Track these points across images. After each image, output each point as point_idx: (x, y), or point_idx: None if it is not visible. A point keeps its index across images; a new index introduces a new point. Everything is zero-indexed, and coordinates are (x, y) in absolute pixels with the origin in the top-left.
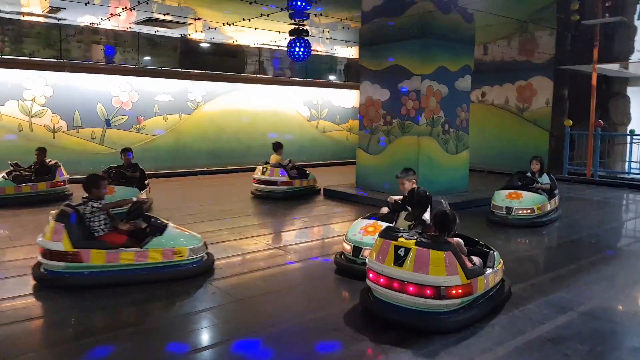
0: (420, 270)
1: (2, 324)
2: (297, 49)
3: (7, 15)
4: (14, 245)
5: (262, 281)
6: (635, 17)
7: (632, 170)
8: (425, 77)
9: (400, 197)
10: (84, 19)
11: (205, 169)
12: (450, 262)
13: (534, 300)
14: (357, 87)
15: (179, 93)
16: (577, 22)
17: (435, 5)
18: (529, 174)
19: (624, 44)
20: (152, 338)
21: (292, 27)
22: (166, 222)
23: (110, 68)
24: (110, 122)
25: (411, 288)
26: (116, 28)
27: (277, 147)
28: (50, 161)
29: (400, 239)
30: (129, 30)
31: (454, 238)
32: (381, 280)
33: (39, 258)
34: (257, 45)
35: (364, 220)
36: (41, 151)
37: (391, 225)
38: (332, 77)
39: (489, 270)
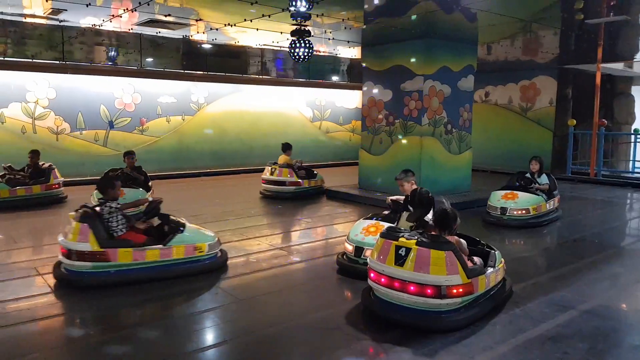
0: (421, 269)
1: (23, 322)
2: (298, 50)
3: (9, 17)
4: (19, 247)
5: (265, 281)
6: None
7: (636, 170)
8: (427, 77)
9: (402, 197)
10: (86, 21)
11: (208, 170)
12: (451, 262)
13: (535, 299)
14: (360, 88)
15: (182, 94)
16: (581, 22)
17: (438, 5)
18: (528, 175)
19: (629, 43)
20: (155, 338)
21: (294, 27)
22: (183, 220)
23: (112, 70)
24: (114, 123)
25: (412, 287)
26: (118, 30)
27: (286, 147)
28: (44, 164)
29: (401, 239)
30: (131, 31)
31: (457, 237)
32: (382, 279)
33: (61, 258)
34: (260, 46)
35: (366, 220)
36: (34, 154)
37: (393, 225)
38: (335, 78)
39: (489, 270)
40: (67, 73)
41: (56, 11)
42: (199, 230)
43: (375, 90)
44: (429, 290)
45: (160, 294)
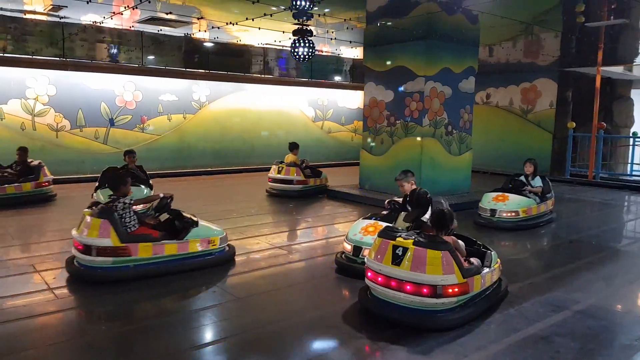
0: (418, 269)
1: (38, 315)
2: (300, 49)
3: (9, 14)
4: (14, 244)
5: (263, 280)
6: None
7: (634, 173)
8: (429, 78)
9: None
10: (87, 18)
11: (209, 169)
12: (447, 262)
13: (530, 299)
14: (362, 88)
15: (183, 92)
16: (582, 25)
17: (439, 7)
18: (522, 177)
19: (629, 47)
20: (151, 336)
21: (296, 27)
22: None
23: (113, 67)
24: (114, 121)
25: (408, 287)
26: (120, 27)
27: (294, 147)
28: (32, 161)
29: (398, 239)
30: (132, 29)
31: (454, 238)
32: (379, 279)
33: (77, 254)
34: (262, 45)
35: (365, 220)
36: (23, 151)
37: (390, 225)
38: (337, 78)
39: (485, 270)
40: (67, 70)
41: (57, 7)
42: (208, 225)
43: (376, 91)
44: (425, 290)
45: (159, 292)
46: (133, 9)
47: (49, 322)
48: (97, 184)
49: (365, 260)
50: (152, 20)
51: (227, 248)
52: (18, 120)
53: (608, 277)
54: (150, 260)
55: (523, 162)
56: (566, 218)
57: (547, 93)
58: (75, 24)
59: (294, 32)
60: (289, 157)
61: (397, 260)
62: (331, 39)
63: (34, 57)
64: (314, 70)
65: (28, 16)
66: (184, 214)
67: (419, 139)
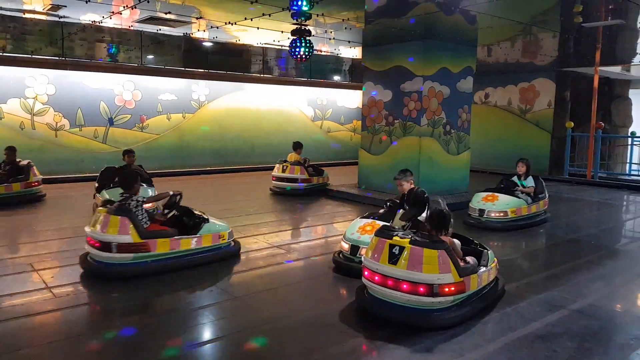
0: (414, 268)
1: (36, 314)
2: (299, 49)
3: (9, 13)
4: (12, 244)
5: (261, 279)
6: (638, 20)
7: (633, 172)
8: (427, 78)
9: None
10: (86, 17)
11: (208, 168)
12: (444, 261)
13: (527, 298)
14: (361, 88)
15: (183, 92)
16: (580, 25)
17: (438, 7)
18: (515, 177)
19: (627, 47)
20: (148, 334)
21: (295, 27)
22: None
23: (112, 66)
24: (113, 120)
25: (405, 286)
26: (119, 26)
27: (297, 146)
28: (20, 161)
29: (395, 238)
30: (132, 28)
31: (450, 238)
32: (376, 278)
33: (93, 251)
34: (261, 45)
35: (363, 219)
36: (11, 150)
37: (387, 224)
38: (336, 78)
39: (482, 269)
40: (66, 69)
41: (56, 7)
42: (216, 220)
43: (375, 91)
44: (421, 289)
45: (156, 291)
46: (132, 8)
47: (47, 321)
48: (96, 184)
49: (362, 259)
50: (151, 20)
51: (232, 243)
52: (17, 119)
53: (606, 277)
54: (167, 256)
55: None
56: (565, 217)
57: (545, 93)
58: (74, 23)
59: (293, 32)
60: (292, 156)
61: (393, 259)
62: (330, 38)
63: (33, 56)
64: (313, 70)
65: (27, 15)
66: (195, 211)
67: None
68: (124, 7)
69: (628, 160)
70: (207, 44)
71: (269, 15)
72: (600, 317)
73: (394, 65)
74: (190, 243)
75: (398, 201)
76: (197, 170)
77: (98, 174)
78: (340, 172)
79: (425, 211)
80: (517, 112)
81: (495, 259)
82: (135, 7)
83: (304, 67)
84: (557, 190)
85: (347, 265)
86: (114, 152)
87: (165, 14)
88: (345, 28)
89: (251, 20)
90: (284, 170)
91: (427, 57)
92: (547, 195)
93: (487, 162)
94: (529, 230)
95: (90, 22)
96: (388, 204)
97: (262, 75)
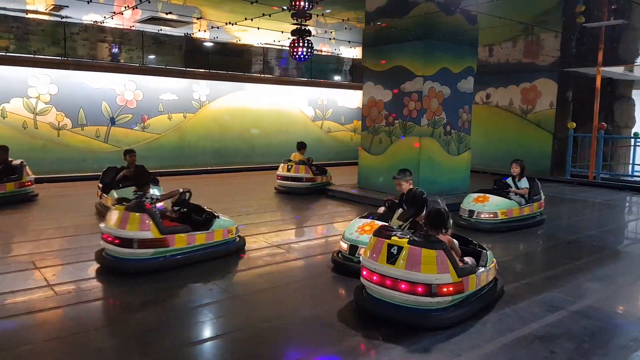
0: (412, 268)
1: (37, 311)
2: (299, 49)
3: (12, 13)
4: (12, 242)
5: (260, 278)
6: None
7: (635, 173)
8: (427, 78)
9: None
10: (88, 17)
11: (209, 168)
12: (442, 261)
13: (526, 299)
14: (361, 88)
15: (184, 92)
16: (582, 25)
17: (438, 7)
18: (509, 179)
19: (630, 47)
20: (146, 333)
21: (295, 27)
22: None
23: (114, 66)
24: (115, 120)
25: (403, 285)
26: (121, 26)
27: (301, 146)
28: (12, 160)
29: (393, 238)
30: (133, 28)
31: (449, 237)
32: (374, 277)
33: (111, 248)
34: (262, 45)
35: (362, 219)
36: (3, 150)
37: (386, 224)
38: (337, 78)
39: (481, 269)
40: (69, 69)
41: (58, 7)
42: (223, 216)
43: (375, 91)
44: (419, 289)
45: (156, 289)
46: (134, 9)
47: (48, 318)
48: (100, 184)
49: (361, 259)
50: (153, 20)
51: (238, 238)
52: (20, 118)
53: (606, 278)
54: (183, 250)
55: (524, 161)
56: (566, 218)
57: (547, 93)
58: (76, 23)
59: (293, 32)
60: (296, 156)
61: (392, 259)
62: (330, 39)
63: (36, 56)
64: (314, 70)
65: (30, 16)
66: (205, 207)
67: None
68: (125, 7)
69: (630, 161)
70: (208, 44)
71: (269, 15)
72: (599, 319)
73: (394, 65)
74: (204, 238)
75: (397, 201)
76: (198, 170)
77: (100, 174)
78: (340, 172)
79: (424, 211)
80: (519, 112)
81: (494, 259)
82: (137, 8)
83: (305, 67)
84: (558, 191)
85: (345, 265)
86: (115, 152)
87: (167, 14)
88: (346, 28)
89: (251, 20)
90: (288, 170)
91: (428, 57)
92: (542, 197)
93: (488, 162)
94: (529, 231)
95: (92, 23)
96: (387, 204)
97: (262, 75)
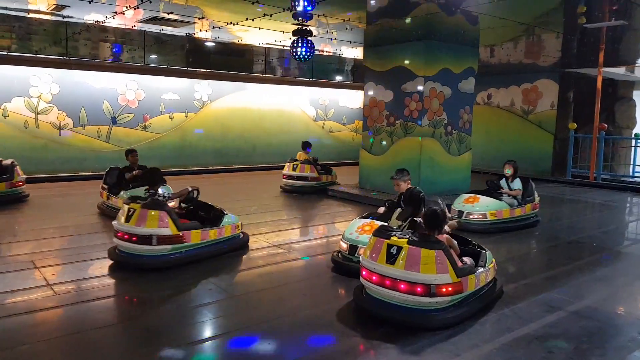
0: (412, 268)
1: (36, 310)
2: (300, 49)
3: (14, 13)
4: (11, 241)
5: (260, 278)
6: None
7: (636, 174)
8: (428, 78)
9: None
10: (90, 17)
11: (210, 167)
12: (441, 261)
13: (525, 299)
14: (363, 88)
15: (185, 91)
16: (583, 26)
17: (439, 8)
18: (502, 180)
19: (631, 48)
20: (145, 332)
21: (296, 27)
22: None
23: (116, 66)
24: (116, 119)
25: (402, 286)
26: (123, 26)
27: (306, 145)
28: (2, 161)
29: (393, 238)
30: (134, 28)
31: (448, 236)
32: (374, 277)
33: (128, 245)
34: (263, 45)
35: (362, 219)
36: None
37: (385, 224)
38: (338, 78)
39: (480, 269)
40: (70, 68)
41: (60, 7)
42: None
43: (376, 91)
44: (419, 289)
45: (155, 287)
46: (135, 8)
47: (48, 318)
48: (103, 184)
49: (361, 259)
50: (154, 20)
51: (241, 235)
52: (21, 118)
53: (606, 279)
54: (197, 246)
55: (524, 162)
56: (567, 219)
57: (548, 94)
58: (78, 23)
59: (294, 33)
60: (301, 155)
61: (391, 259)
62: (332, 39)
63: (37, 55)
64: (315, 70)
65: (32, 15)
66: (214, 205)
67: (419, 138)
68: (127, 7)
69: (631, 162)
70: (210, 44)
71: (270, 15)
72: (598, 319)
73: (395, 66)
74: (216, 234)
75: (396, 201)
76: (199, 170)
77: (104, 173)
78: (342, 172)
79: (422, 210)
80: (520, 113)
81: (493, 259)
82: (138, 7)
83: (306, 67)
84: (559, 191)
85: (345, 265)
86: (117, 151)
87: (168, 14)
88: (347, 28)
89: (252, 20)
90: (294, 169)
91: (429, 57)
92: (536, 198)
93: (489, 162)
94: (529, 232)
95: (94, 22)
96: (387, 204)
97: (264, 75)
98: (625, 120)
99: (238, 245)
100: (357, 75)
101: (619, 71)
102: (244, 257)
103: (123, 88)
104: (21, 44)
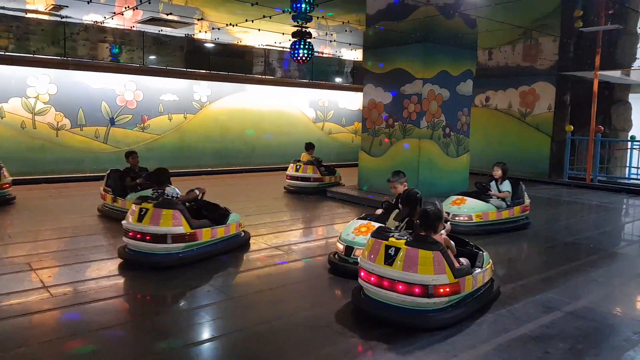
0: (410, 269)
1: (32, 313)
2: (299, 51)
3: (11, 13)
4: (7, 244)
5: (258, 279)
6: (638, 25)
7: (632, 176)
8: (427, 81)
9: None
10: (88, 17)
11: (209, 169)
12: (439, 262)
13: (522, 300)
14: (362, 90)
15: (184, 92)
16: (579, 29)
17: (438, 11)
18: (491, 182)
19: (626, 52)
20: (141, 334)
21: (295, 29)
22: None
23: (115, 66)
24: (115, 120)
25: (400, 286)
26: (121, 27)
27: (310, 147)
28: None
29: (390, 239)
30: (133, 29)
31: (445, 237)
32: (372, 278)
33: (140, 244)
34: (263, 47)
35: (359, 220)
36: None
37: (383, 225)
38: (338, 79)
39: (477, 270)
40: (68, 69)
41: (58, 7)
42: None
43: (375, 93)
44: (416, 290)
45: (154, 289)
46: (134, 9)
47: (43, 320)
48: (105, 186)
49: (359, 260)
50: (153, 21)
51: (243, 233)
52: (18, 118)
53: (602, 279)
54: (207, 243)
55: (521, 164)
56: (564, 220)
57: (545, 96)
58: (76, 23)
59: (293, 34)
60: (305, 156)
61: (389, 260)
62: (331, 41)
63: (35, 55)
64: (315, 72)
65: (30, 15)
66: (220, 205)
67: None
68: (126, 7)
69: (627, 164)
70: (209, 45)
71: (270, 17)
72: (594, 319)
73: (394, 68)
74: (224, 231)
75: (393, 202)
76: (198, 171)
77: (105, 175)
78: (341, 173)
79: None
80: (518, 115)
81: (490, 260)
82: (138, 8)
83: (306, 69)
84: (556, 193)
85: (341, 266)
86: (115, 152)
87: (167, 15)
88: (347, 30)
89: (252, 22)
90: (297, 170)
91: (427, 60)
92: (526, 200)
93: (487, 164)
94: (527, 233)
95: (93, 23)
96: (383, 205)
97: (263, 77)
98: (621, 123)
99: (242, 242)
100: (356, 77)
101: (615, 74)
102: (242, 258)
103: (121, 89)
104: (19, 44)
